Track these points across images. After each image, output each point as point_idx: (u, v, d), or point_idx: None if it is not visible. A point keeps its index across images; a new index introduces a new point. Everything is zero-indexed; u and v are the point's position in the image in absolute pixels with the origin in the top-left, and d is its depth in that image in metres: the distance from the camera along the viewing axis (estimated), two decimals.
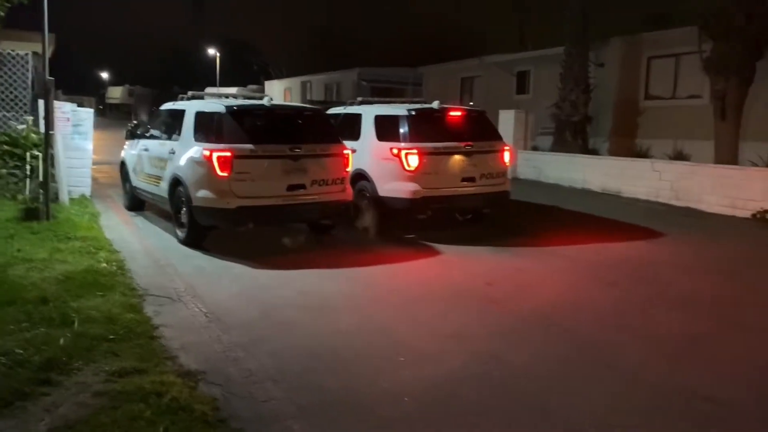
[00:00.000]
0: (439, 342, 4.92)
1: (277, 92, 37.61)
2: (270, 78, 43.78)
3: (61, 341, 4.38)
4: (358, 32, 44.71)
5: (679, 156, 14.09)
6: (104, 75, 73.97)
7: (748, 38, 12.39)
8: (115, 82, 67.34)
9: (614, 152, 16.68)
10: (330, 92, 33.56)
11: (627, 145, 16.57)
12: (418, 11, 42.51)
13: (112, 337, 4.60)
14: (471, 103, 22.04)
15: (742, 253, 8.55)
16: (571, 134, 16.88)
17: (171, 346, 4.61)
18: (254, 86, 41.29)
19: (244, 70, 49.30)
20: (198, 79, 42.91)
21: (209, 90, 30.68)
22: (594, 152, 16.58)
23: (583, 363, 4.60)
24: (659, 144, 15.30)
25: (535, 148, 17.49)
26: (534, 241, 8.70)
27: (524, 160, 16.13)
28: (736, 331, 5.35)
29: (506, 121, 16.59)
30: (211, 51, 49.33)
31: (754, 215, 10.73)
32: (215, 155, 7.32)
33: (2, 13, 10.01)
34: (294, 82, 38.33)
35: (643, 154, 15.17)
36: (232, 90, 34.31)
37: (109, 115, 54.91)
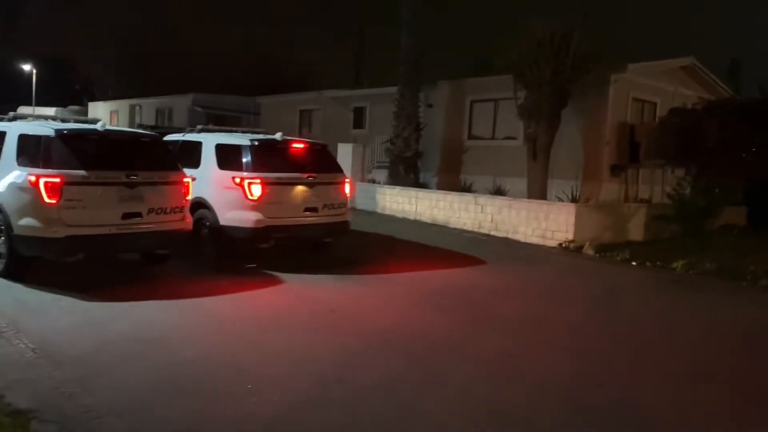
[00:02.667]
0: (285, 368, 5.05)
1: (103, 114, 35.27)
2: (94, 99, 41.03)
3: None
4: (192, 57, 43.55)
5: (498, 191, 15.52)
6: None
7: (554, 89, 14.13)
8: None
9: (442, 186, 17.89)
10: (162, 117, 32.26)
11: (453, 180, 17.87)
12: (255, 42, 42.56)
13: None
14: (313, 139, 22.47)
15: (550, 279, 9.68)
16: (404, 168, 17.87)
17: None
18: (76, 107, 38.38)
19: (65, 90, 45.60)
20: (9, 97, 38.92)
21: (22, 110, 28.02)
22: (424, 186, 17.65)
23: (418, 381, 4.97)
24: (481, 179, 16.71)
25: (372, 181, 18.24)
26: (372, 269, 9.13)
27: (362, 192, 16.76)
28: (542, 350, 6.07)
29: (345, 154, 17.17)
30: (27, 67, 45.05)
31: (560, 245, 12.14)
32: (42, 181, 6.85)
33: None
34: (122, 105, 36.29)
35: (466, 189, 16.46)
36: (50, 111, 31.66)
37: None
